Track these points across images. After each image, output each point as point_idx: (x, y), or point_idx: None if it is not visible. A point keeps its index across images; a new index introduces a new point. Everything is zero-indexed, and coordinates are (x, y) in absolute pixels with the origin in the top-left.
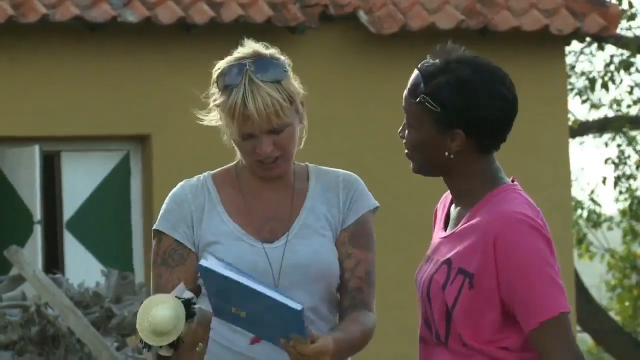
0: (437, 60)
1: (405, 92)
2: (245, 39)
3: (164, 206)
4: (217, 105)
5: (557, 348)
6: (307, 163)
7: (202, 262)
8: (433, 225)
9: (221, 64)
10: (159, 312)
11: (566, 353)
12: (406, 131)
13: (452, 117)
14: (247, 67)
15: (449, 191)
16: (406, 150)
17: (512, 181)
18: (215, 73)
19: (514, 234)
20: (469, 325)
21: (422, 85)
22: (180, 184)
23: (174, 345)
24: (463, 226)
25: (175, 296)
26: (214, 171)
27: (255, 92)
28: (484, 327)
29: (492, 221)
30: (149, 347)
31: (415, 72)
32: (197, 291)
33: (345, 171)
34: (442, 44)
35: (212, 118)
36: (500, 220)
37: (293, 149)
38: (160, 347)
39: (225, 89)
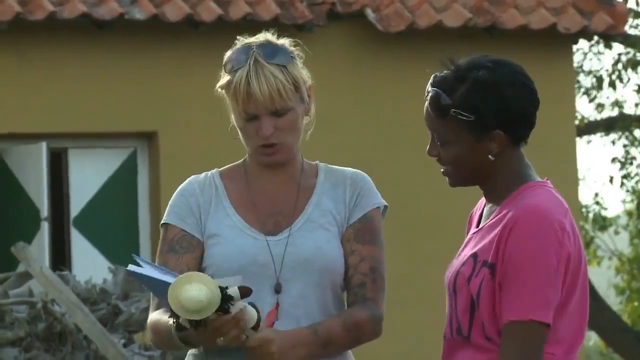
0: (446, 73)
1: (428, 111)
2: (264, 32)
3: (171, 201)
4: (222, 87)
5: (510, 351)
6: (317, 162)
7: (130, 267)
8: (467, 229)
9: (231, 49)
10: (193, 291)
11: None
12: (440, 150)
13: (488, 120)
14: (254, 49)
15: (483, 198)
16: (443, 169)
17: (546, 180)
18: (225, 58)
19: (529, 228)
20: (493, 317)
21: (446, 100)
22: (188, 179)
23: (193, 324)
24: (491, 221)
25: (219, 286)
26: (222, 168)
27: (260, 71)
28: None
29: (515, 213)
30: (174, 315)
31: (432, 90)
32: None
33: (355, 169)
34: (443, 56)
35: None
36: (521, 213)
37: (296, 136)
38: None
39: (231, 70)
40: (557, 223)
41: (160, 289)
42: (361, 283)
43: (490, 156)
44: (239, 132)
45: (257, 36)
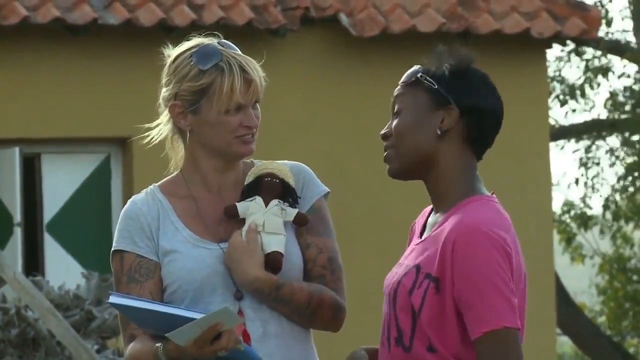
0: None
1: (400, 83)
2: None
3: (119, 225)
4: (201, 86)
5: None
6: (252, 159)
7: (111, 299)
8: (408, 241)
9: (182, 51)
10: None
11: None
12: (393, 123)
13: (448, 92)
14: (219, 45)
15: (427, 208)
16: (386, 152)
17: (492, 194)
18: (184, 62)
19: (471, 243)
20: (437, 331)
21: (417, 69)
22: (130, 200)
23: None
24: (434, 232)
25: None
26: (159, 182)
27: (247, 60)
28: (452, 334)
29: (455, 228)
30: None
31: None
32: (161, 299)
33: (292, 162)
34: (434, 51)
35: (161, 121)
36: (460, 228)
37: None
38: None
39: (210, 67)
40: (498, 236)
41: (150, 319)
42: (321, 275)
43: (438, 131)
44: (205, 130)
45: (190, 41)
